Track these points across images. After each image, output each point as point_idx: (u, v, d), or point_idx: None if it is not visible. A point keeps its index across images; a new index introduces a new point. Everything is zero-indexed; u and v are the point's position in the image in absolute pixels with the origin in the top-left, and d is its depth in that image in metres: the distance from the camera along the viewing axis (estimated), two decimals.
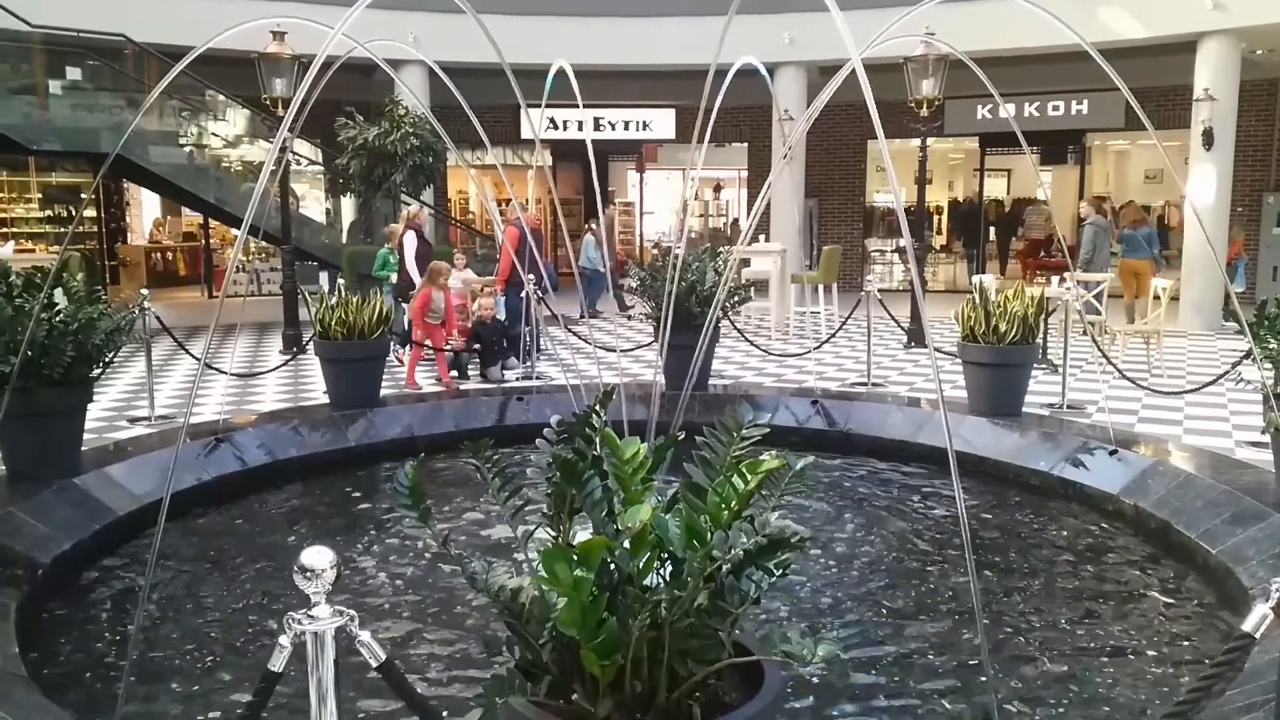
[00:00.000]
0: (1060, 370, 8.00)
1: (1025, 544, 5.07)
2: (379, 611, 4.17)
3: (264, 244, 16.80)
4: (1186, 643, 3.91)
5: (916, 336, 11.05)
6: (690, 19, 14.62)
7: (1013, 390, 6.67)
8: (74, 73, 13.05)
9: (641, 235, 21.76)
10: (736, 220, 21.26)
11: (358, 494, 6.04)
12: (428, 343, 9.10)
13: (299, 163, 15.15)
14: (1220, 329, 12.41)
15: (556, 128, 18.52)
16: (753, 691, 2.29)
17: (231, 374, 9.20)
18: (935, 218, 20.63)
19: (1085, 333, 8.93)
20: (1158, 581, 4.52)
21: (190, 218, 18.82)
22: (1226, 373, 7.02)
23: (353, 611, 2.11)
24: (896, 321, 10.37)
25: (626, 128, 18.49)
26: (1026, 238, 20.17)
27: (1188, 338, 11.99)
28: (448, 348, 9.55)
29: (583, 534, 2.30)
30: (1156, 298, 9.59)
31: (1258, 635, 2.19)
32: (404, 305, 10.56)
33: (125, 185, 18.63)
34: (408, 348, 10.45)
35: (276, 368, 9.26)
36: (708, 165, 22.06)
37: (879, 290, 9.37)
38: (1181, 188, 14.24)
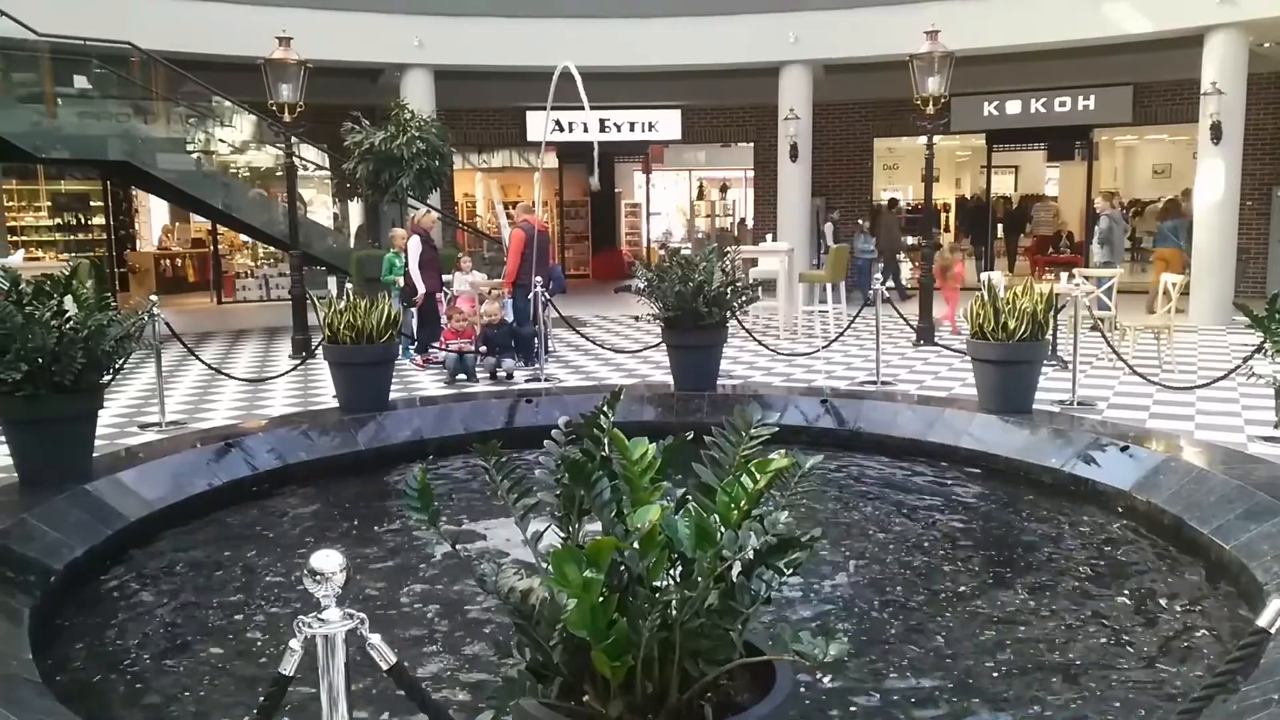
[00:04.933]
0: (1070, 366, 7.98)
1: (1037, 541, 5.05)
2: (389, 614, 4.17)
3: (272, 249, 16.89)
4: (1200, 639, 3.88)
5: (925, 335, 11.02)
6: (695, 19, 14.62)
7: (1023, 387, 6.65)
8: (81, 81, 13.10)
9: (648, 235, 21.78)
10: (743, 220, 21.27)
11: (368, 497, 6.05)
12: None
13: (306, 168, 15.19)
14: (1231, 323, 12.35)
15: (562, 130, 18.54)
16: (765, 691, 2.29)
17: (241, 379, 9.24)
18: (943, 215, 20.59)
19: (1095, 328, 8.90)
20: (1171, 577, 4.50)
21: (199, 224, 18.89)
22: (1238, 367, 6.99)
23: (363, 614, 2.11)
24: (905, 319, 10.35)
25: (632, 129, 18.49)
26: (1035, 234, 20.13)
27: (1198, 332, 11.94)
28: (451, 349, 9.57)
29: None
30: (1166, 293, 9.55)
31: (1273, 630, 2.17)
32: (410, 309, 10.58)
33: (134, 192, 18.70)
34: (413, 347, 10.49)
35: (286, 373, 9.29)
36: (714, 165, 22.07)
37: (887, 288, 9.36)
38: (1190, 181, 14.17)
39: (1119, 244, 12.43)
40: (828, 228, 17.51)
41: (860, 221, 17.39)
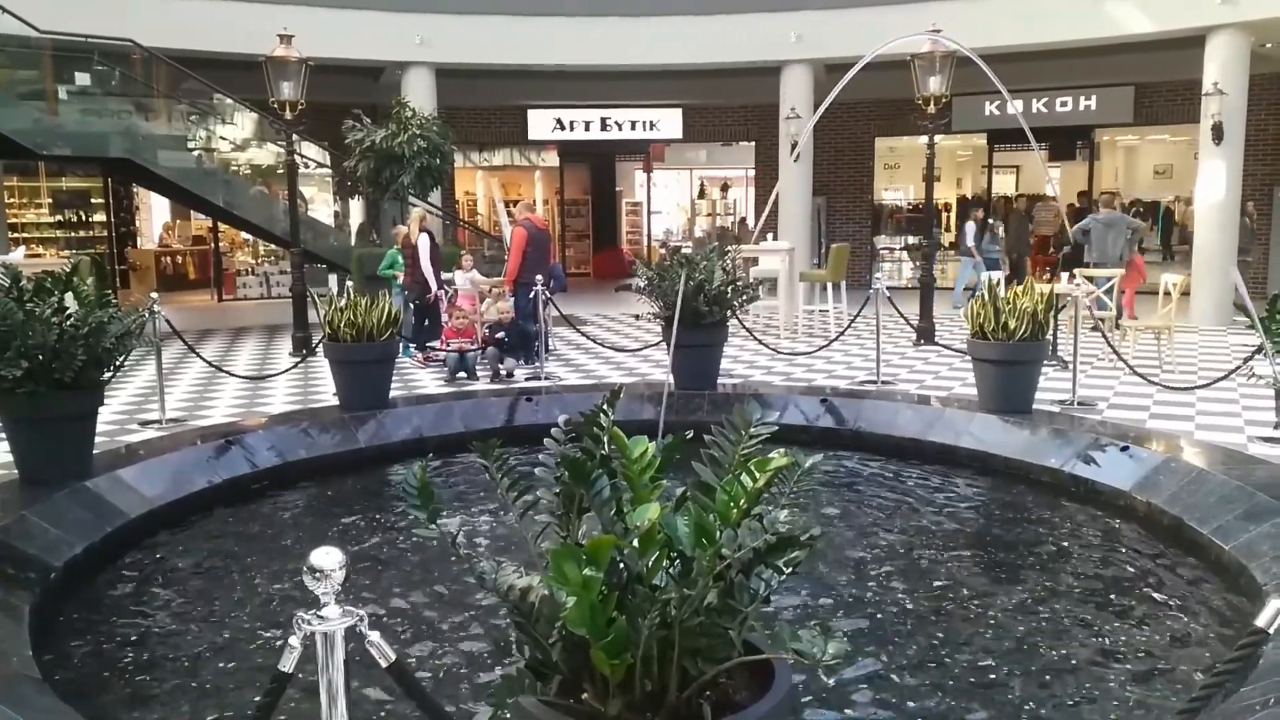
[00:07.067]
0: (1070, 366, 7.97)
1: (1036, 541, 5.05)
2: (389, 611, 4.17)
3: (273, 247, 16.88)
4: (1199, 639, 3.88)
5: (926, 334, 11.02)
6: (697, 18, 14.61)
7: (1023, 387, 6.65)
8: (83, 78, 13.10)
9: (649, 234, 21.78)
10: (744, 219, 21.27)
11: (368, 495, 6.05)
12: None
13: (307, 166, 15.18)
14: (1231, 324, 12.35)
15: (564, 128, 18.54)
16: (763, 690, 2.29)
17: (241, 377, 9.24)
18: (943, 215, 20.58)
19: (1095, 329, 8.90)
20: (1170, 578, 4.50)
21: (200, 221, 18.90)
22: (1238, 368, 6.99)
23: (362, 612, 2.11)
24: (906, 319, 10.35)
25: (633, 127, 18.49)
26: (1036, 234, 20.09)
27: (1199, 333, 11.93)
28: (452, 348, 9.58)
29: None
30: (1167, 293, 9.54)
31: (1271, 631, 2.18)
32: (412, 306, 10.60)
33: (135, 189, 18.71)
34: (413, 347, 10.50)
35: (286, 370, 9.29)
36: (715, 164, 22.07)
37: (887, 288, 9.36)
38: (1191, 183, 14.16)
39: (1110, 244, 12.35)
40: (969, 228, 15.78)
41: (992, 221, 17.12)
